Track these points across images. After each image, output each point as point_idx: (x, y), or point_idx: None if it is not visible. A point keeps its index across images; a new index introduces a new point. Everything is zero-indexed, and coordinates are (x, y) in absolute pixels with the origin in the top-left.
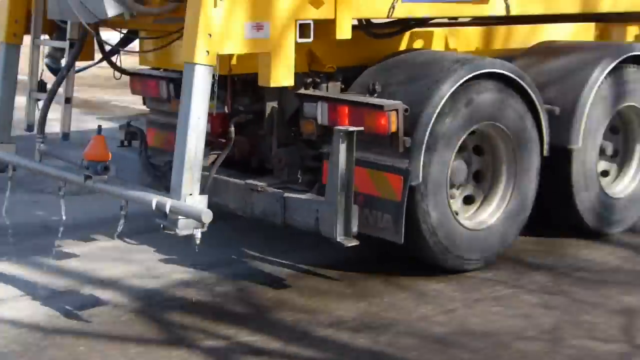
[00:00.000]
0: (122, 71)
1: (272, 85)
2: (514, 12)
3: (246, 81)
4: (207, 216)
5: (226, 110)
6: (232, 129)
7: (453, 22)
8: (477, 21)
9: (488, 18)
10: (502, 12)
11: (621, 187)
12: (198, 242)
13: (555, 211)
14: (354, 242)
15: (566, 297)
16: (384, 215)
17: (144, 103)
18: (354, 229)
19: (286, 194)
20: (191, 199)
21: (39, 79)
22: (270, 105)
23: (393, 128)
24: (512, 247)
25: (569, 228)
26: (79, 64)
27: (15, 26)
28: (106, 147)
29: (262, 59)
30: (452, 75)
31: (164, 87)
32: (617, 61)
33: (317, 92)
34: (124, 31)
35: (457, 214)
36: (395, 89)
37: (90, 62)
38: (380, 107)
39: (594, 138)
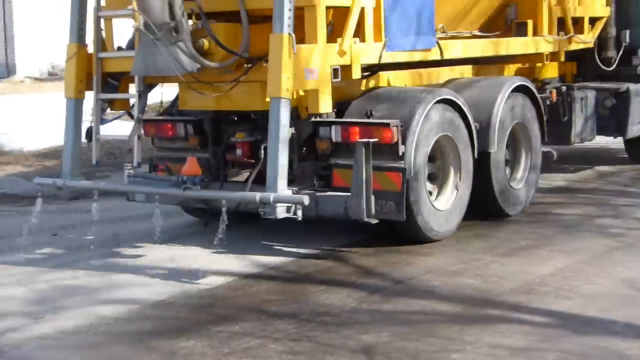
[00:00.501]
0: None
1: (321, 111)
2: (445, 56)
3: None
4: (307, 200)
5: (255, 138)
6: (262, 152)
7: (404, 64)
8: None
9: (425, 62)
10: (437, 57)
11: (518, 177)
12: (300, 218)
13: (479, 197)
14: (375, 220)
15: (310, 342)
16: (388, 202)
17: (153, 143)
18: (373, 211)
19: (318, 193)
20: (287, 192)
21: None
22: (290, 131)
23: (395, 139)
24: (258, 300)
25: (487, 211)
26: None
27: (80, 85)
28: (198, 165)
29: (312, 94)
30: (423, 102)
31: (182, 128)
32: (510, 90)
33: (329, 119)
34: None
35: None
36: (385, 113)
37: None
38: (387, 125)
39: (502, 144)
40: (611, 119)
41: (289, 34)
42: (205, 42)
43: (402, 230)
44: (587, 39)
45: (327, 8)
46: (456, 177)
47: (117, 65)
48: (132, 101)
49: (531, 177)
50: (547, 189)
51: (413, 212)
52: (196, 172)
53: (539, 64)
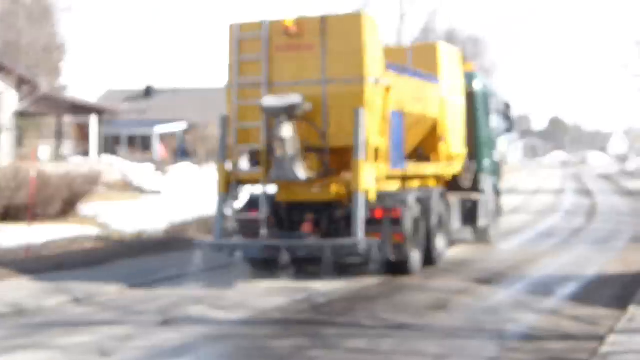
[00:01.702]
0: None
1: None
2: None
3: None
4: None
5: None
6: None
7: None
8: None
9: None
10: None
11: None
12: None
13: None
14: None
15: None
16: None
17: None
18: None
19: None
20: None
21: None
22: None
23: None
24: None
25: None
26: None
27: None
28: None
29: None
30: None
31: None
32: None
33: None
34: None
35: None
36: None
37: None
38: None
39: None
40: (468, 215)
41: (363, 159)
42: (309, 163)
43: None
44: (457, 167)
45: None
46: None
47: (245, 176)
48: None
49: None
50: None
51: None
52: (310, 231)
53: (435, 181)
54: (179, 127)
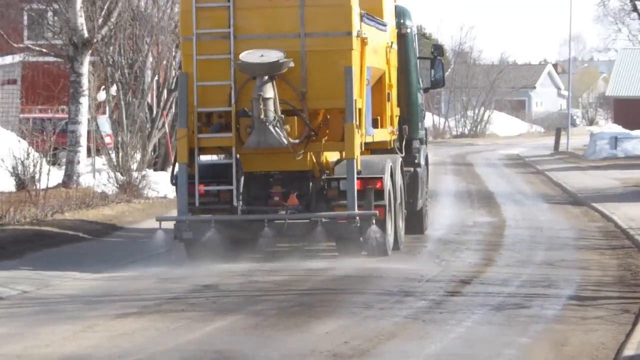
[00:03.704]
0: None
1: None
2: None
3: None
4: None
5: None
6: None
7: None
8: None
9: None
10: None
11: None
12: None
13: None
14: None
15: None
16: None
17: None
18: None
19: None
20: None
21: None
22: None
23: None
24: None
25: None
26: None
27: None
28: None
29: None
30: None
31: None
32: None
33: (337, 176)
34: None
35: None
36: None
37: None
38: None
39: None
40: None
41: (355, 124)
42: (288, 128)
43: None
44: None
45: None
46: None
47: (210, 142)
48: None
49: None
50: None
51: None
52: (295, 203)
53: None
54: None
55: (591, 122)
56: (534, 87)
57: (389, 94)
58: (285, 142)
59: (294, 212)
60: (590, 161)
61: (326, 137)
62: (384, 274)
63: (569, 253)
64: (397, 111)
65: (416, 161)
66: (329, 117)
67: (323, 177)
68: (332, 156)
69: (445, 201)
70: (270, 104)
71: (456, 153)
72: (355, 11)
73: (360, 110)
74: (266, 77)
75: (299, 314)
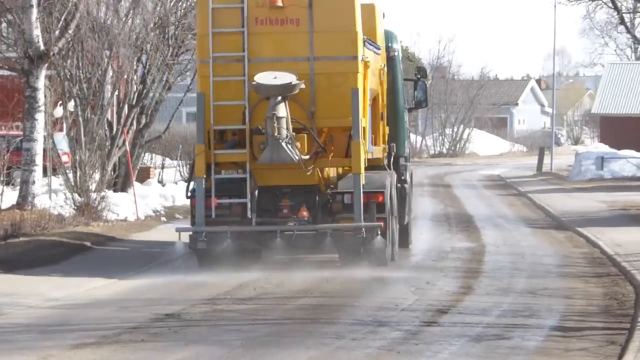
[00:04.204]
0: None
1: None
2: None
3: None
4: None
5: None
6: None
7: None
8: None
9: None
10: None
11: None
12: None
13: None
14: None
15: None
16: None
17: None
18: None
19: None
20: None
21: None
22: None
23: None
24: None
25: None
26: None
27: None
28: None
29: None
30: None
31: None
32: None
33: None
34: None
35: None
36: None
37: None
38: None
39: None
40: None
41: (361, 141)
42: (299, 145)
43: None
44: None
45: None
46: None
47: (226, 158)
48: None
49: None
50: None
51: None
52: (306, 216)
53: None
54: None
55: (576, 141)
56: (516, 104)
57: (382, 113)
58: (297, 158)
59: (304, 224)
60: (575, 182)
61: (332, 154)
62: (357, 302)
63: (552, 281)
64: (387, 130)
65: (403, 177)
66: (333, 135)
67: (328, 191)
68: (332, 172)
69: (422, 225)
70: (283, 122)
71: (434, 173)
72: (361, 37)
73: (364, 128)
74: (279, 98)
75: (266, 344)
